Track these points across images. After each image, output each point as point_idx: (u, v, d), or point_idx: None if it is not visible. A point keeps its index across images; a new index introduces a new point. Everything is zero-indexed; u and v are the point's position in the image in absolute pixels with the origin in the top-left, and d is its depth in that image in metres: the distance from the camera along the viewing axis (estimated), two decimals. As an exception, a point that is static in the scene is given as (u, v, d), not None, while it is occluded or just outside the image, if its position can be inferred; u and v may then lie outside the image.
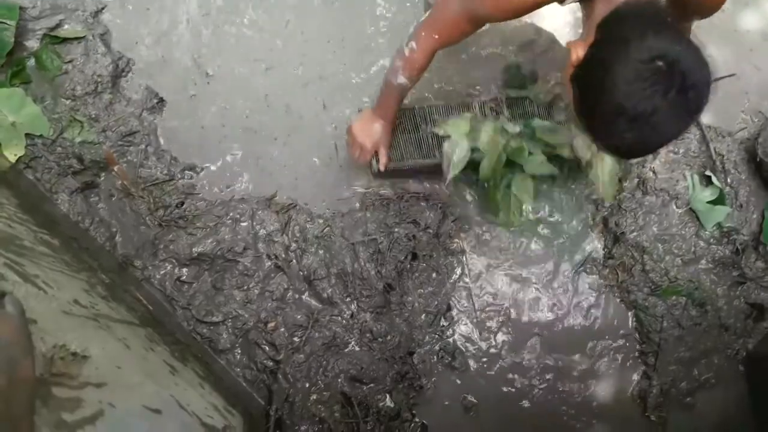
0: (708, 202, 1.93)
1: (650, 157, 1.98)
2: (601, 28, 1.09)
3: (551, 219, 1.95)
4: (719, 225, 1.94)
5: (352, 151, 1.72)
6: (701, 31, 2.00)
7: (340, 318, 1.83)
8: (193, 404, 1.18)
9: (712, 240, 1.94)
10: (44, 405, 0.71)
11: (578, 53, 1.10)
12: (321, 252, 1.86)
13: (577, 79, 1.12)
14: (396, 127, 1.75)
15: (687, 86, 0.99)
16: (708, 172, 1.96)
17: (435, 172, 1.81)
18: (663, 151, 1.99)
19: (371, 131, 1.66)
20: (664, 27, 1.03)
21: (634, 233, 1.94)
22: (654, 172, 1.98)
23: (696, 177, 1.97)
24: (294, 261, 1.84)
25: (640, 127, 1.03)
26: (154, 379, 1.11)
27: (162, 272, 1.79)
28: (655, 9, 1.07)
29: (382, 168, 1.72)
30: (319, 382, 1.78)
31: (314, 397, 1.77)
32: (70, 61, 1.83)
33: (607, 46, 1.06)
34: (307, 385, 1.77)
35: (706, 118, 2.01)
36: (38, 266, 1.13)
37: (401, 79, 1.49)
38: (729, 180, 1.96)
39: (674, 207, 1.97)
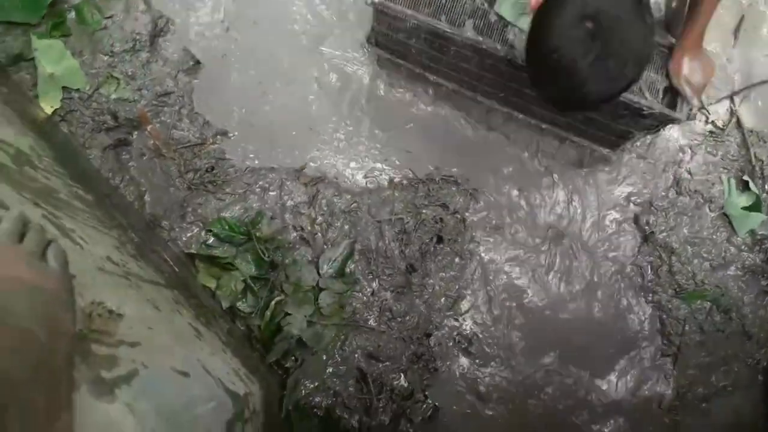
0: (743, 208, 1.90)
1: (687, 157, 1.95)
2: None
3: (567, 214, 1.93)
4: (752, 232, 1.90)
5: None
6: (747, 35, 1.96)
7: (361, 294, 1.83)
8: (217, 369, 1.18)
9: (743, 247, 1.91)
10: (83, 361, 0.71)
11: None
12: (346, 227, 1.86)
13: (532, 21, 1.17)
14: None
15: (608, 53, 1.06)
16: (746, 177, 1.91)
17: (431, 56, 1.71)
18: (700, 152, 1.95)
19: None
20: None
21: (664, 233, 1.92)
22: (690, 173, 1.94)
23: (733, 181, 1.93)
24: (319, 234, 1.84)
25: (561, 79, 1.11)
26: (181, 342, 1.11)
27: (189, 235, 1.79)
28: None
29: None
30: (336, 356, 1.79)
31: (330, 370, 1.78)
32: (110, 17, 1.82)
33: None
34: (324, 357, 1.78)
35: (748, 121, 1.96)
36: (74, 221, 1.14)
37: None
38: (767, 187, 1.92)
39: (707, 210, 1.93)
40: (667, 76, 1.59)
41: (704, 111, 1.91)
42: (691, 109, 1.68)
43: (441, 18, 1.57)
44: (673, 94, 1.59)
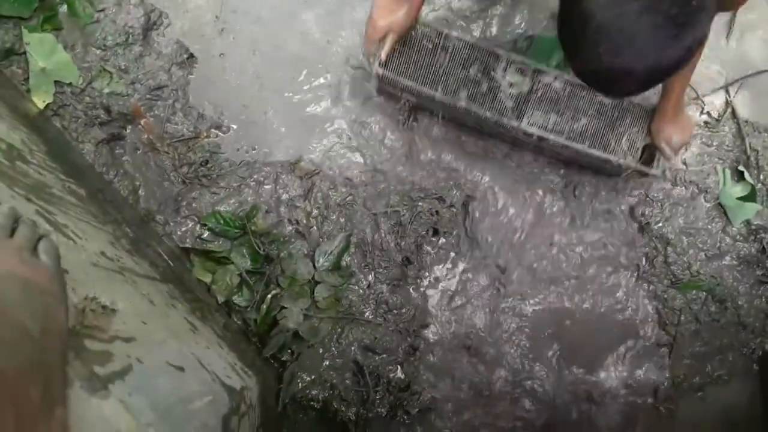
0: (738, 198, 1.90)
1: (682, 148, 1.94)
2: None
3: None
4: (747, 222, 1.91)
5: (367, 33, 1.60)
6: (741, 25, 1.95)
7: (356, 287, 1.83)
8: (213, 364, 1.18)
9: (738, 237, 1.91)
10: (77, 357, 0.71)
11: None
12: (342, 220, 1.85)
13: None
14: (414, 40, 1.68)
15: (657, 6, 0.86)
16: (741, 168, 1.92)
17: (430, 106, 1.79)
18: (695, 142, 1.95)
19: (390, 13, 1.54)
20: None
21: (660, 224, 1.92)
22: (685, 163, 1.94)
23: (728, 171, 1.93)
24: (315, 227, 1.84)
25: (611, 40, 0.90)
26: (176, 337, 1.11)
27: (183, 229, 1.79)
28: None
29: (383, 56, 1.61)
30: (333, 349, 1.79)
31: (327, 363, 1.78)
32: (102, 10, 1.80)
33: None
34: (321, 350, 1.78)
35: (743, 112, 1.96)
36: (67, 216, 1.13)
37: None
38: (762, 177, 1.93)
39: (702, 200, 1.94)
40: (648, 133, 1.71)
41: (681, 168, 1.96)
42: (665, 170, 1.87)
43: (437, 88, 1.69)
44: (651, 151, 1.73)
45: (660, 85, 1.57)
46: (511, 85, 1.69)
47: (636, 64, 0.91)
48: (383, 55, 1.61)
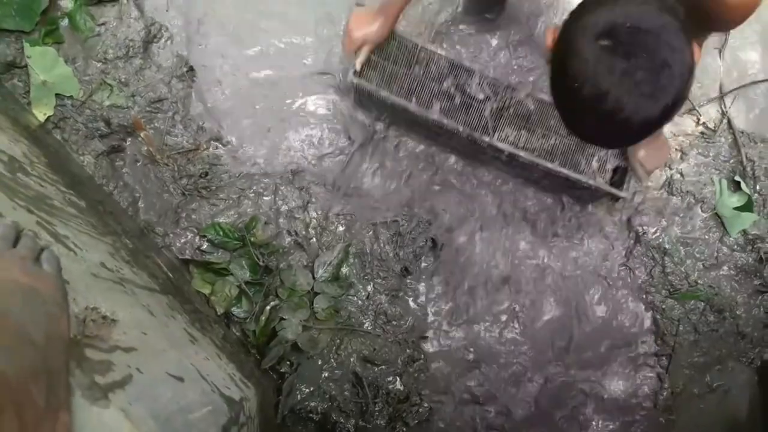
0: (735, 208, 1.91)
1: (678, 158, 1.96)
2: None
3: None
4: (744, 232, 1.92)
5: (344, 43, 1.63)
6: (738, 34, 1.97)
7: (355, 298, 1.83)
8: (212, 374, 1.18)
9: (735, 247, 1.92)
10: (78, 366, 0.71)
11: (553, 36, 1.04)
12: (341, 230, 1.86)
13: (550, 64, 1.05)
14: (390, 53, 1.70)
15: (634, 65, 0.90)
16: (737, 178, 1.93)
17: (406, 119, 1.79)
18: (692, 153, 1.96)
19: (366, 24, 1.57)
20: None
21: (657, 234, 1.93)
22: (681, 173, 1.96)
23: (724, 182, 1.94)
24: (314, 238, 1.84)
25: (592, 110, 0.96)
26: (176, 347, 1.11)
27: (183, 240, 1.79)
28: None
29: (357, 66, 1.63)
30: (332, 360, 1.79)
31: (326, 374, 1.78)
32: (103, 24, 1.82)
33: (566, 23, 0.99)
34: (320, 362, 1.78)
35: (739, 122, 1.97)
36: (67, 227, 1.14)
37: None
38: (758, 187, 1.94)
39: (699, 210, 1.95)
40: (623, 154, 1.72)
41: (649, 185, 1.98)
42: (635, 192, 1.92)
43: (411, 99, 1.70)
44: (621, 173, 1.74)
45: None
46: (483, 100, 1.71)
47: (625, 124, 0.95)
48: (357, 65, 1.63)
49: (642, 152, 1.63)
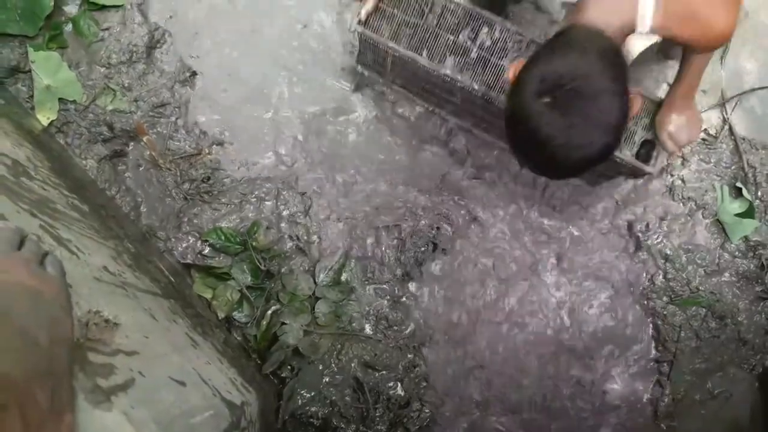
0: (736, 215, 1.91)
1: (680, 164, 1.96)
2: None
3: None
4: (746, 238, 1.92)
5: None
6: (740, 41, 1.98)
7: (356, 303, 1.83)
8: (214, 379, 1.19)
9: (737, 253, 1.92)
10: (81, 370, 0.71)
11: (514, 72, 1.16)
12: (343, 235, 1.86)
13: (507, 99, 1.18)
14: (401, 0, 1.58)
15: (569, 123, 1.04)
16: (739, 184, 1.93)
17: (413, 80, 1.73)
18: (693, 159, 1.97)
19: None
20: (575, 49, 1.07)
21: (658, 240, 1.93)
22: (683, 180, 1.96)
23: (726, 188, 1.94)
24: (315, 243, 1.85)
25: (533, 150, 1.11)
26: (178, 352, 1.12)
27: (184, 245, 1.80)
28: (587, 34, 1.10)
29: (362, 15, 1.53)
30: (333, 365, 1.79)
31: (326, 379, 1.78)
32: (106, 29, 1.83)
33: (521, 71, 1.11)
34: (321, 367, 1.78)
35: (740, 129, 1.98)
36: (70, 231, 1.14)
37: None
38: (760, 193, 1.94)
39: (701, 216, 1.95)
40: (652, 126, 1.58)
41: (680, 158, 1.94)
42: (662, 169, 1.84)
43: (422, 52, 1.59)
44: (649, 148, 1.59)
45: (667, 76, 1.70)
46: (503, 55, 1.57)
47: (565, 163, 1.10)
48: (363, 13, 1.54)
49: (672, 123, 1.51)
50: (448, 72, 1.58)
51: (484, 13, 1.56)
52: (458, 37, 1.57)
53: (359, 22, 1.56)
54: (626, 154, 1.57)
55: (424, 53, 1.58)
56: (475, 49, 1.57)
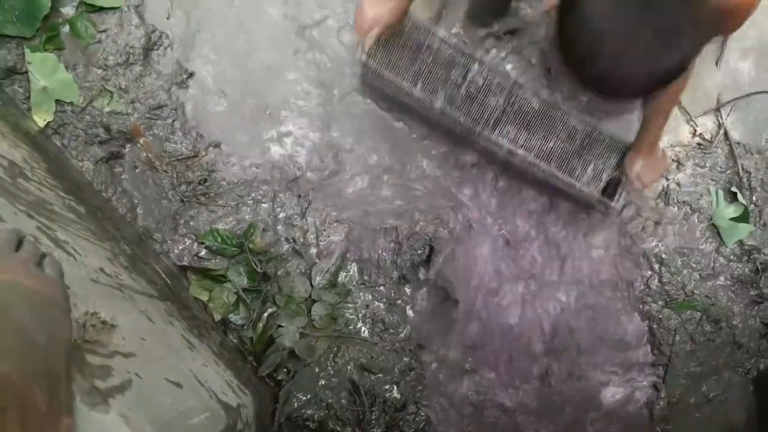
0: (731, 219, 1.92)
1: (675, 169, 1.97)
2: None
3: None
4: (740, 242, 1.93)
5: (356, 22, 1.55)
6: (736, 45, 1.99)
7: (353, 306, 1.83)
8: (210, 381, 1.18)
9: (732, 257, 1.93)
10: (79, 371, 0.71)
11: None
12: (340, 237, 1.87)
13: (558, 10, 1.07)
14: (401, 33, 1.65)
15: (651, 18, 0.92)
16: (734, 189, 1.94)
17: (409, 103, 1.77)
18: (688, 163, 1.97)
19: (379, 4, 1.49)
20: None
21: (653, 244, 1.94)
22: (678, 184, 1.97)
23: (721, 192, 1.95)
24: (312, 245, 1.85)
25: (613, 52, 0.98)
26: (174, 353, 1.11)
27: (181, 247, 1.79)
28: None
29: (366, 47, 1.58)
30: (329, 368, 1.79)
31: (323, 382, 1.78)
32: (104, 31, 1.82)
33: None
34: (317, 369, 1.78)
35: (735, 134, 1.99)
36: (67, 232, 1.14)
37: None
38: (754, 198, 1.95)
39: (696, 220, 1.96)
40: (621, 166, 1.73)
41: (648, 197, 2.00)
42: (624, 205, 1.92)
43: (417, 84, 1.70)
44: (615, 185, 1.75)
45: (636, 123, 1.72)
46: (488, 94, 1.70)
47: (633, 72, 0.99)
48: (367, 45, 1.58)
49: (639, 165, 1.65)
50: (438, 105, 1.70)
51: (474, 54, 1.69)
52: (450, 73, 1.69)
53: (364, 53, 1.64)
54: (592, 189, 1.74)
55: (419, 85, 1.69)
56: (464, 86, 1.71)
